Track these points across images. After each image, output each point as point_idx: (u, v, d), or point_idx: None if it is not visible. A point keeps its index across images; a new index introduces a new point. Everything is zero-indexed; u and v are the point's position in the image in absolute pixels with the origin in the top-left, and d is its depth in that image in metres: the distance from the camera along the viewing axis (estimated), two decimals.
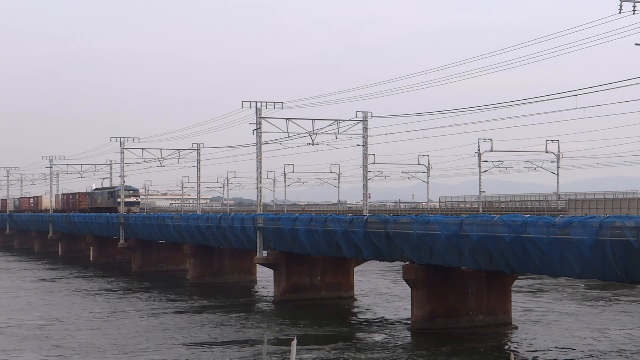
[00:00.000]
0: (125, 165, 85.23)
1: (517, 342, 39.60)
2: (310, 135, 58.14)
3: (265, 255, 55.82)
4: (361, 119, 54.82)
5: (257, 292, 63.58)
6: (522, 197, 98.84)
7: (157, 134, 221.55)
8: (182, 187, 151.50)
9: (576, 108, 42.05)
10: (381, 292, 60.44)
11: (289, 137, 58.05)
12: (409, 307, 43.87)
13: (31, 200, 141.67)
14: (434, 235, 39.67)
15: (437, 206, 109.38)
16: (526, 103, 43.21)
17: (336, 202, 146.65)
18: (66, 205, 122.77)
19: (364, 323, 46.23)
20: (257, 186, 58.69)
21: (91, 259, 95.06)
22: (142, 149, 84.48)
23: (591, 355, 35.75)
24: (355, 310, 52.05)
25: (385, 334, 42.15)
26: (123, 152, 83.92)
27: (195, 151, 79.59)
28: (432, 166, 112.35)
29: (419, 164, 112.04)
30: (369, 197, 65.31)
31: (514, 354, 35.36)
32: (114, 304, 55.11)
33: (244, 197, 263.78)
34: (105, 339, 40.59)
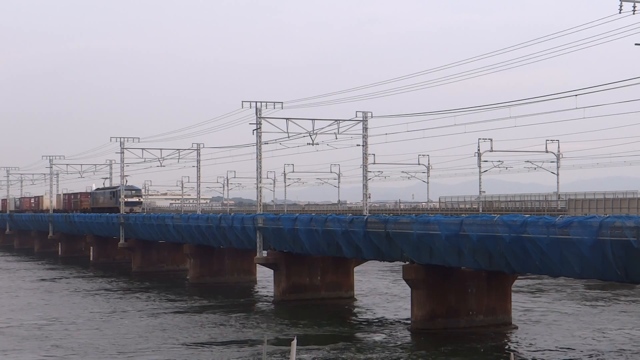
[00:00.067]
0: (125, 165, 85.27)
1: (517, 342, 39.59)
2: (310, 135, 58.14)
3: (265, 255, 55.81)
4: (361, 119, 54.82)
5: (257, 292, 63.57)
6: (522, 197, 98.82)
7: (157, 134, 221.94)
8: (182, 187, 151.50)
9: (576, 108, 42.08)
10: (381, 292, 60.42)
11: (289, 137, 58.06)
12: (409, 307, 43.86)
13: (32, 200, 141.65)
14: (434, 235, 39.66)
15: (437, 206, 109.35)
16: (526, 103, 43.25)
17: (336, 202, 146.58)
18: (68, 205, 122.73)
19: (364, 323, 46.22)
20: (257, 186, 58.68)
21: (91, 259, 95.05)
22: (142, 149, 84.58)
23: (591, 355, 35.73)
24: (355, 310, 52.04)
25: (385, 334, 42.13)
26: (123, 152, 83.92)
27: (195, 151, 79.60)
28: (432, 166, 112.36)
29: (419, 164, 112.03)
30: (369, 197, 65.29)
31: (514, 354, 35.35)
32: (114, 304, 55.09)
33: (244, 197, 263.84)
34: (104, 339, 40.57)
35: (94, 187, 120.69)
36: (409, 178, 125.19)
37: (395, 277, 67.64)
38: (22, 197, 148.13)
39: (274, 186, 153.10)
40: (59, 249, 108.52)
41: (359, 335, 42.38)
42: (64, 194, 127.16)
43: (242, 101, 56.48)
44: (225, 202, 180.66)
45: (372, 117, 54.62)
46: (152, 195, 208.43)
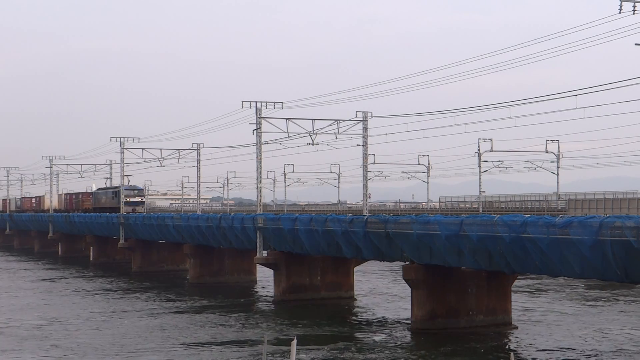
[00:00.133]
0: (125, 165, 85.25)
1: (517, 342, 39.57)
2: (310, 135, 58.14)
3: (265, 255, 55.80)
4: (361, 119, 54.82)
5: (257, 292, 63.55)
6: (522, 197, 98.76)
7: (157, 134, 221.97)
8: (182, 187, 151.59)
9: (576, 108, 42.09)
10: (381, 292, 60.40)
11: (289, 137, 58.07)
12: (409, 307, 43.85)
13: (33, 200, 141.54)
14: (434, 235, 39.64)
15: (437, 206, 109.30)
16: (526, 103, 43.26)
17: (336, 202, 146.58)
18: (69, 205, 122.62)
19: (364, 323, 46.21)
20: (257, 186, 58.67)
21: (91, 259, 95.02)
22: (142, 149, 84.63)
23: (591, 355, 35.72)
24: (355, 310, 52.02)
25: (385, 334, 42.12)
26: (123, 152, 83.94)
27: (195, 151, 79.62)
28: (432, 166, 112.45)
29: (419, 164, 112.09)
30: (369, 197, 65.30)
31: (514, 354, 35.33)
32: (114, 304, 55.08)
33: (244, 197, 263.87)
34: (104, 339, 40.55)
35: (94, 187, 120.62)
36: (409, 178, 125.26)
37: (395, 277, 67.63)
38: (23, 197, 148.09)
39: (274, 186, 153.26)
40: (59, 249, 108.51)
41: (358, 335, 42.37)
42: (66, 194, 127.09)
43: (242, 101, 56.57)
44: (225, 202, 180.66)
45: (372, 117, 54.66)
46: (152, 195, 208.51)
